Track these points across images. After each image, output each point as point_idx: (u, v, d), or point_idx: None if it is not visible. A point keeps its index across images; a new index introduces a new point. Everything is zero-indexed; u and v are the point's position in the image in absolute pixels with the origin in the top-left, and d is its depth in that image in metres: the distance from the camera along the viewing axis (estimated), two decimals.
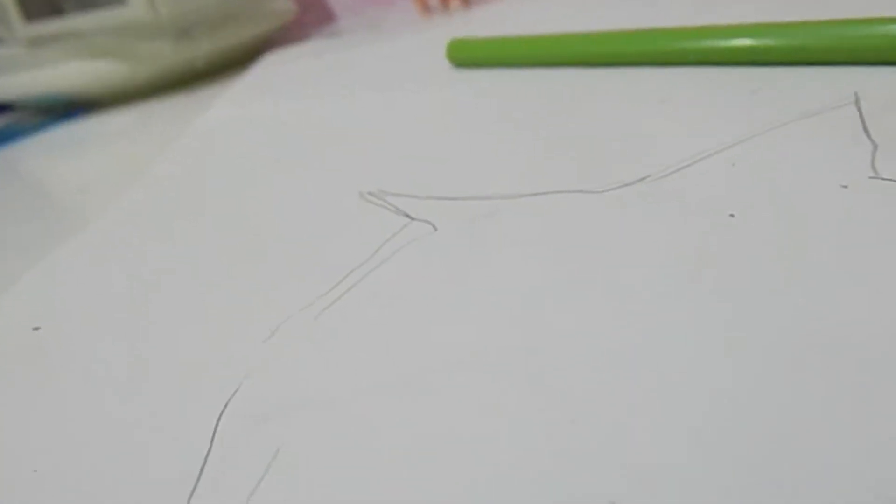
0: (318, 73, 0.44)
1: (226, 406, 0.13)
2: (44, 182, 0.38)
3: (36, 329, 0.18)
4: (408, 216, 0.18)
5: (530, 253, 0.15)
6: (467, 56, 0.33)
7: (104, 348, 0.16)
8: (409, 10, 0.64)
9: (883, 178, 0.15)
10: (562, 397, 0.11)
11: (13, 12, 0.50)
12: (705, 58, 0.24)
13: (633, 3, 0.39)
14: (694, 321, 0.12)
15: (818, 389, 0.10)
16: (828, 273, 0.12)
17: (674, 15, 0.33)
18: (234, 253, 0.19)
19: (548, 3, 0.48)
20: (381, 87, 0.35)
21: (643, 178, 0.17)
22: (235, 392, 0.13)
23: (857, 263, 0.12)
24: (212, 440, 0.12)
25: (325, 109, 0.33)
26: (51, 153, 0.44)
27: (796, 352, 0.11)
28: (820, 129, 0.18)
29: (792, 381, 0.10)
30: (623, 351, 0.12)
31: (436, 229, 0.17)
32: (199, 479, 0.12)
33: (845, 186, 0.15)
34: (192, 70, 0.55)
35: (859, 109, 0.18)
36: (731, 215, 0.15)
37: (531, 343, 0.13)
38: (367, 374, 0.13)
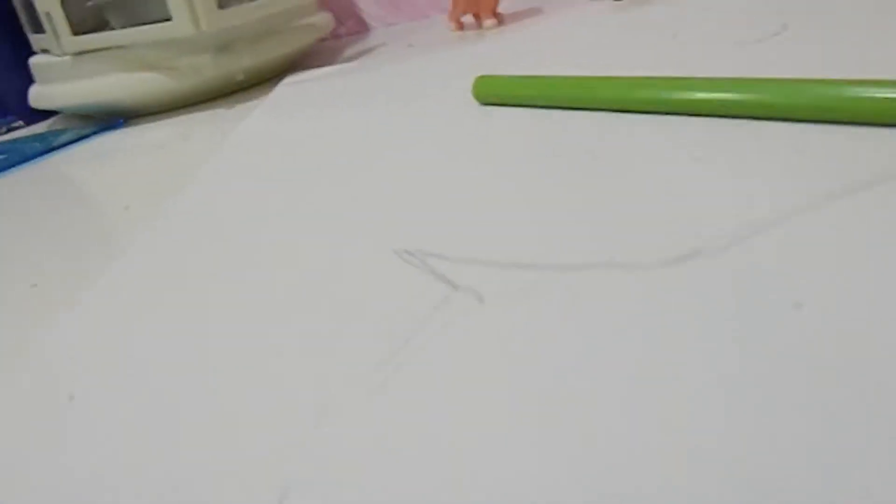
0: (342, 97, 0.44)
1: None
2: (88, 191, 0.39)
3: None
4: (451, 283, 0.18)
5: (582, 336, 0.15)
6: (493, 94, 0.33)
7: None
8: (442, 24, 0.64)
9: None
10: None
11: (62, 27, 0.50)
12: (745, 110, 0.24)
13: (666, 42, 0.38)
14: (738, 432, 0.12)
15: None
16: None
17: (703, 61, 0.33)
18: (260, 308, 0.19)
19: (579, 24, 0.47)
20: (406, 119, 0.35)
21: (696, 253, 0.17)
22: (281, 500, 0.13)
23: None
24: None
25: (346, 137, 0.33)
26: (93, 162, 0.45)
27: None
28: (885, 199, 0.17)
29: None
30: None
31: (482, 302, 0.17)
32: None
33: None
34: (232, 83, 0.55)
35: None
36: (797, 305, 0.14)
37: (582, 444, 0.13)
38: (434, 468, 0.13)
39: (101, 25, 0.55)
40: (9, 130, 0.62)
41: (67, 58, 0.52)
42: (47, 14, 0.51)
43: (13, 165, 0.48)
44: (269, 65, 0.57)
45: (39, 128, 0.61)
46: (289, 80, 0.54)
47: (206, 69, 0.52)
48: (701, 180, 0.21)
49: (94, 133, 0.53)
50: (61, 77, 0.53)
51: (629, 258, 0.18)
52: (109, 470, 0.15)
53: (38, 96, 0.56)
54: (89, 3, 0.54)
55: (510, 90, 0.32)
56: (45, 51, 0.55)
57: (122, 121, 0.55)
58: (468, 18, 0.60)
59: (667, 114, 0.26)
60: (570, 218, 0.20)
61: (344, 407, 0.15)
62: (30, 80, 0.58)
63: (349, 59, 0.59)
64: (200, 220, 0.28)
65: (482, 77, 0.34)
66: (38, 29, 0.54)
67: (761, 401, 0.12)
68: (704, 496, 0.11)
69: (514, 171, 0.25)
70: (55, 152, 0.50)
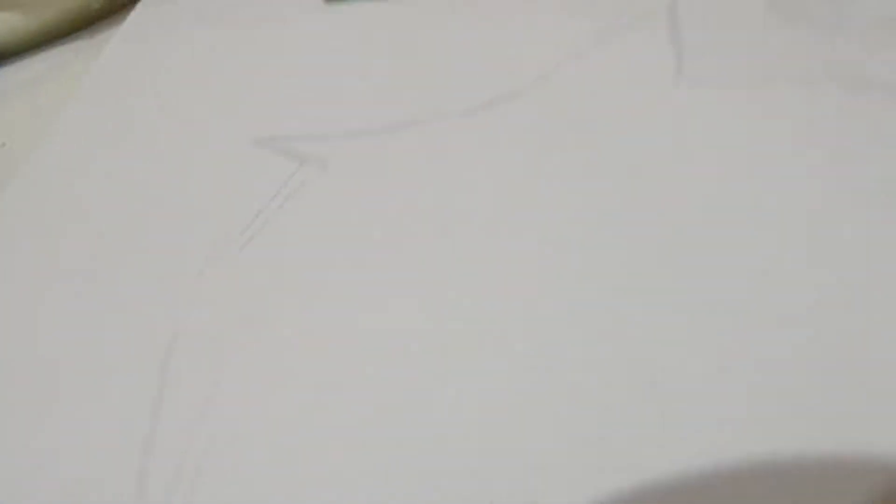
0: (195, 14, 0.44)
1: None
2: None
3: None
4: (300, 157, 0.21)
5: (416, 187, 0.18)
6: None
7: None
8: None
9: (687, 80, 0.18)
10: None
11: None
12: None
13: None
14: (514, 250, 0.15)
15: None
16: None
17: None
18: (143, 203, 0.22)
19: None
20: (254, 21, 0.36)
21: (493, 101, 0.20)
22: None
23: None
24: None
25: (206, 49, 0.35)
26: None
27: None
28: (633, 32, 0.20)
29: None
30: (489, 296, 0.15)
31: (325, 169, 0.20)
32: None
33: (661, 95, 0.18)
34: (91, 12, 0.54)
35: (672, 13, 0.21)
36: (580, 131, 0.18)
37: (425, 274, 0.16)
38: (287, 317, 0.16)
39: None
40: None
41: None
42: None
43: None
44: None
45: None
46: (145, 2, 0.53)
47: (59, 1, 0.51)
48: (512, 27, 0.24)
49: None
50: None
51: (446, 108, 0.20)
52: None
53: None
54: None
55: None
56: None
57: None
58: None
59: None
60: (396, 83, 0.23)
61: (220, 260, 0.18)
62: None
63: None
64: (66, 167, 0.29)
65: None
66: None
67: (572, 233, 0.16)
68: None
69: (356, 57, 0.27)
70: None
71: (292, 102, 0.25)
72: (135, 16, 0.51)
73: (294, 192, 0.20)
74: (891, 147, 0.14)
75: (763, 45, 0.18)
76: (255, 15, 0.37)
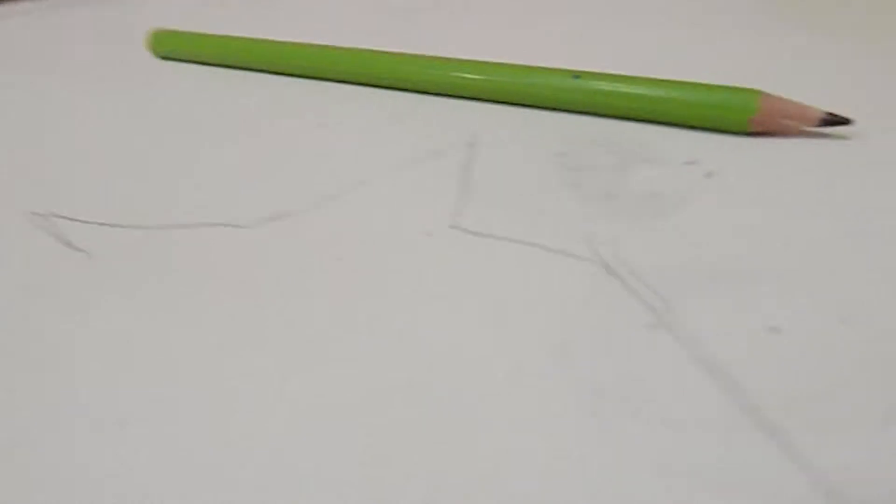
0: (13, 46, 0.42)
1: None
2: None
3: None
4: (68, 242, 0.20)
5: (175, 288, 0.17)
6: (170, 49, 0.33)
7: None
8: None
9: (461, 229, 0.18)
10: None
11: None
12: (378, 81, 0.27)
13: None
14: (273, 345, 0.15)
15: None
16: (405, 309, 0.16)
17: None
18: None
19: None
20: (77, 72, 0.34)
21: (286, 215, 0.20)
22: None
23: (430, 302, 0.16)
24: None
25: (12, 95, 0.32)
26: None
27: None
28: (430, 172, 0.21)
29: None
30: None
31: (90, 258, 0.19)
32: None
33: (429, 234, 0.18)
34: None
35: (469, 154, 0.22)
36: (339, 259, 0.18)
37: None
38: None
39: None
40: None
41: None
42: None
43: None
44: None
45: None
46: None
47: None
48: (318, 144, 0.24)
49: None
50: None
51: (229, 218, 0.20)
52: None
53: None
54: None
55: (185, 46, 0.33)
56: None
57: None
58: None
59: (321, 80, 0.29)
60: (187, 181, 0.22)
61: None
62: None
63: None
64: None
65: (158, 31, 0.34)
66: None
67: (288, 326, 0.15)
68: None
69: (144, 135, 0.26)
70: None
71: (75, 181, 0.24)
72: None
73: (56, 275, 0.18)
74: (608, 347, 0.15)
75: (539, 206, 0.19)
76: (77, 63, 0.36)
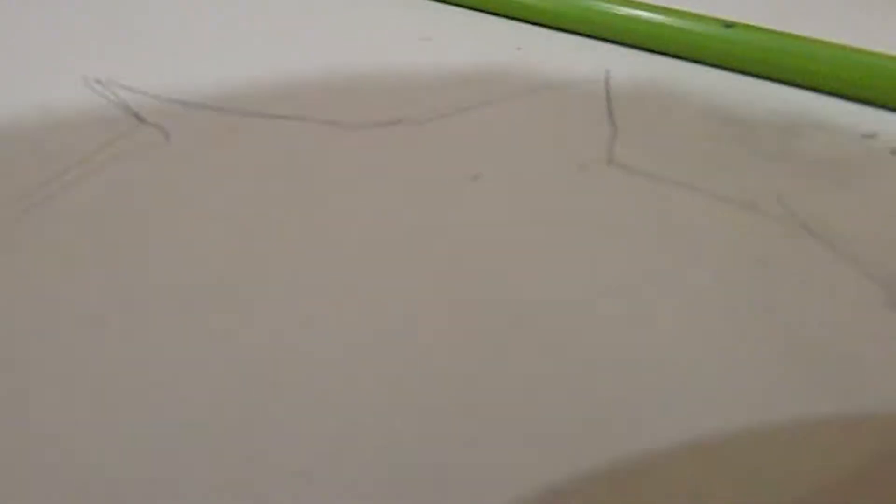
0: None
1: None
2: None
3: None
4: (138, 117, 0.16)
5: (263, 186, 0.14)
6: None
7: None
8: None
9: (619, 165, 0.15)
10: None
11: None
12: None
13: None
14: (404, 285, 0.12)
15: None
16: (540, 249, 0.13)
17: None
18: None
19: None
20: None
21: (398, 121, 0.17)
22: None
23: (573, 244, 0.13)
24: None
25: None
26: None
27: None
28: (568, 102, 0.18)
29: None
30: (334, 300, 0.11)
31: (168, 139, 0.16)
32: None
33: (583, 167, 0.15)
34: None
35: (607, 90, 0.19)
36: (475, 177, 0.15)
37: (245, 283, 0.12)
38: (68, 302, 0.11)
39: None
40: None
41: None
42: None
43: None
44: None
45: None
46: None
47: None
48: (423, 59, 0.20)
49: None
50: None
51: (335, 117, 0.17)
52: None
53: None
54: None
55: None
56: None
57: None
58: None
59: None
60: (287, 72, 0.19)
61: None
62: None
63: None
64: None
65: None
66: None
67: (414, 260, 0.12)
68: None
69: (230, 14, 0.23)
70: None
71: (136, 47, 0.20)
72: None
73: (126, 154, 0.15)
74: (775, 283, 0.12)
75: (707, 155, 0.16)
76: None
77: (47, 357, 0.10)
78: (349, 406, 0.10)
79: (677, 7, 0.21)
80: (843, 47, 0.19)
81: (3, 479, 0.09)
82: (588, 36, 0.22)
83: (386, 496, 0.09)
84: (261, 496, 0.09)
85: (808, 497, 0.09)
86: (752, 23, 0.20)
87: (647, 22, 0.21)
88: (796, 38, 0.19)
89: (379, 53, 0.20)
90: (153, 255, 0.12)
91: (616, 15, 0.21)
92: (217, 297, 0.12)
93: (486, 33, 0.22)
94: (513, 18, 0.23)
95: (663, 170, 0.15)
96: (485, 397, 0.10)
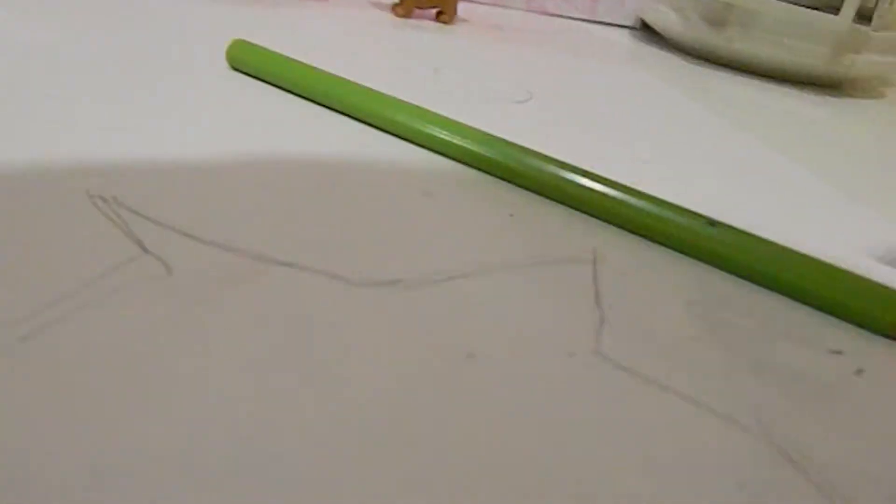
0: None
1: None
2: None
3: None
4: (141, 246, 0.17)
5: (261, 334, 0.15)
6: (244, 62, 0.31)
7: None
8: None
9: (605, 356, 0.16)
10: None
11: None
12: (478, 163, 0.25)
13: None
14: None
15: None
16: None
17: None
18: None
19: (357, 30, 0.47)
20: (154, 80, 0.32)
21: (395, 282, 0.17)
22: None
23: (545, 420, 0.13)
24: None
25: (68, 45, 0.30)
26: None
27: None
28: (558, 280, 0.19)
29: None
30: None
31: (170, 273, 0.16)
32: None
33: (571, 354, 0.16)
34: None
35: (595, 271, 0.20)
36: (470, 355, 0.15)
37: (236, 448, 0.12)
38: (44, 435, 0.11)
39: None
40: None
41: None
42: None
43: None
44: None
45: None
46: None
47: None
48: (424, 217, 0.21)
49: None
50: None
51: (337, 269, 0.17)
52: None
53: None
54: None
55: (261, 63, 0.31)
56: None
57: None
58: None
59: (412, 142, 0.27)
60: (293, 217, 0.20)
61: None
62: None
63: None
64: None
65: (238, 41, 0.32)
66: None
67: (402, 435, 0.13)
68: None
69: (248, 150, 0.24)
70: None
71: (143, 166, 0.21)
72: None
73: (124, 286, 0.15)
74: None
75: (685, 354, 0.17)
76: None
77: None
78: None
79: (668, 198, 0.22)
80: (814, 261, 0.20)
81: None
82: (580, 210, 0.23)
83: None
84: None
85: None
86: (742, 221, 0.21)
87: (635, 208, 0.22)
88: (773, 245, 0.21)
89: (382, 204, 0.21)
90: (149, 405, 0.12)
91: (606, 196, 0.23)
92: (209, 450, 0.11)
93: (483, 194, 0.23)
94: (506, 180, 0.25)
95: (646, 367, 0.16)
96: None
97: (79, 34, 0.33)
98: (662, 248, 0.22)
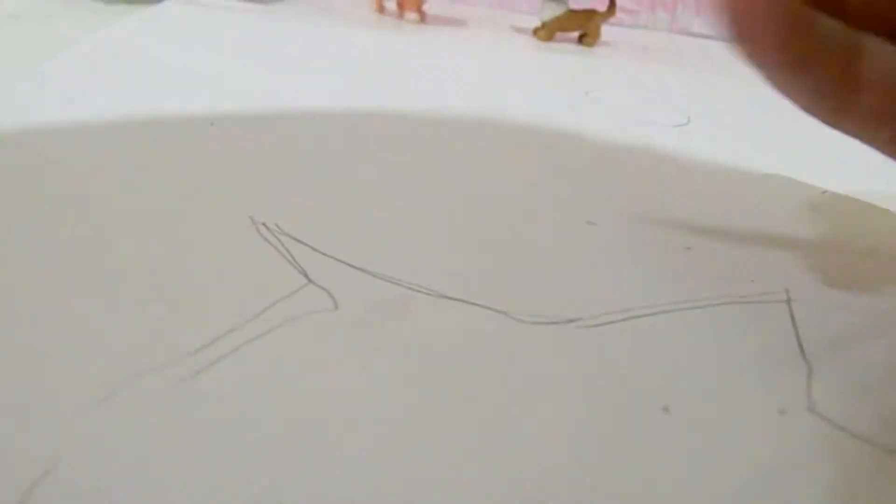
0: (223, 31, 0.40)
1: (24, 500, 0.10)
2: None
3: None
4: (306, 276, 0.16)
5: (428, 372, 0.13)
6: None
7: None
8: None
9: (821, 415, 0.14)
10: None
11: None
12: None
13: None
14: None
15: None
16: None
17: None
18: (80, 264, 0.16)
19: (493, 50, 0.46)
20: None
21: (573, 321, 0.16)
22: (40, 480, 0.10)
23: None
24: None
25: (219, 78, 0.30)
26: None
27: None
28: (750, 321, 0.17)
29: None
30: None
31: (336, 307, 0.15)
32: None
33: (783, 412, 0.14)
34: None
35: (791, 312, 0.17)
36: (665, 409, 0.13)
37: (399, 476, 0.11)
38: (229, 474, 0.11)
39: None
40: None
41: None
42: None
43: None
44: None
45: None
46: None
47: None
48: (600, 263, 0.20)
49: None
50: None
51: (506, 307, 0.16)
52: None
53: None
54: None
55: None
56: None
57: None
58: (391, 5, 0.58)
59: None
60: (460, 252, 0.19)
61: (145, 385, 0.12)
62: None
63: None
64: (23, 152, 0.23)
65: None
66: None
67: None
68: None
69: (405, 178, 0.23)
70: None
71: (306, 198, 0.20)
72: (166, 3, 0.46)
73: (295, 319, 0.14)
74: None
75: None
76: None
77: None
78: None
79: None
80: None
81: None
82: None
83: None
84: None
85: None
86: None
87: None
88: None
89: (550, 240, 0.20)
90: (320, 440, 0.11)
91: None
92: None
93: (654, 230, 0.21)
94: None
95: (868, 428, 0.14)
96: None
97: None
98: None
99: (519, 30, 0.56)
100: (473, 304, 0.16)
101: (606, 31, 0.59)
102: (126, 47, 0.35)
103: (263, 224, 0.18)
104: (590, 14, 0.53)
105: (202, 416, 0.12)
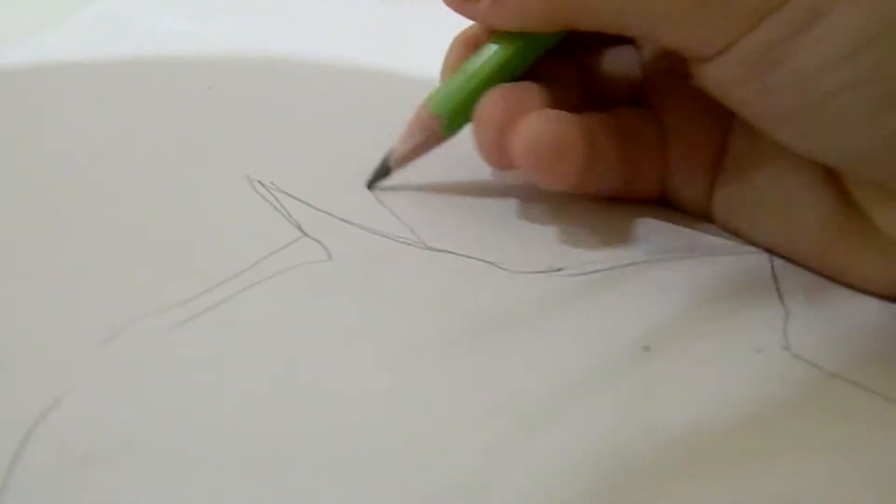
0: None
1: (30, 432, 0.11)
2: None
3: None
4: (300, 229, 0.16)
5: (420, 317, 0.14)
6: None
7: None
8: None
9: (796, 354, 0.14)
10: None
11: None
12: None
13: None
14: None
15: None
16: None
17: None
18: (82, 217, 0.16)
19: None
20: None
21: (558, 270, 0.16)
22: (47, 412, 0.11)
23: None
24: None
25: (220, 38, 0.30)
26: None
27: None
28: (730, 271, 0.17)
29: None
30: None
31: (330, 258, 0.16)
32: None
33: (759, 351, 0.14)
34: None
35: (772, 262, 0.18)
36: (646, 348, 0.14)
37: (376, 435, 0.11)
38: (212, 413, 0.11)
39: None
40: None
41: None
42: None
43: None
44: None
45: None
46: None
47: None
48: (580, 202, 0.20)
49: None
50: None
51: (494, 258, 0.16)
52: None
53: None
54: None
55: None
56: None
57: None
58: None
59: None
60: (448, 208, 0.19)
61: (142, 329, 0.13)
62: None
63: None
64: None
65: None
66: None
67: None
68: None
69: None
70: None
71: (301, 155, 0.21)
72: None
73: (287, 269, 0.15)
74: None
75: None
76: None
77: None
78: None
79: None
80: None
81: None
82: None
83: None
84: None
85: None
86: None
87: None
88: None
89: (540, 199, 0.20)
90: (309, 388, 0.12)
91: None
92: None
93: None
94: None
95: (836, 362, 0.14)
96: None
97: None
98: None
99: None
100: (462, 255, 0.16)
101: None
102: (124, 15, 0.35)
103: (259, 182, 0.19)
104: None
105: (200, 356, 0.12)
